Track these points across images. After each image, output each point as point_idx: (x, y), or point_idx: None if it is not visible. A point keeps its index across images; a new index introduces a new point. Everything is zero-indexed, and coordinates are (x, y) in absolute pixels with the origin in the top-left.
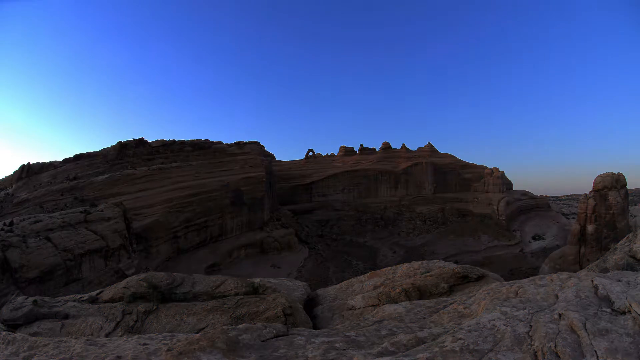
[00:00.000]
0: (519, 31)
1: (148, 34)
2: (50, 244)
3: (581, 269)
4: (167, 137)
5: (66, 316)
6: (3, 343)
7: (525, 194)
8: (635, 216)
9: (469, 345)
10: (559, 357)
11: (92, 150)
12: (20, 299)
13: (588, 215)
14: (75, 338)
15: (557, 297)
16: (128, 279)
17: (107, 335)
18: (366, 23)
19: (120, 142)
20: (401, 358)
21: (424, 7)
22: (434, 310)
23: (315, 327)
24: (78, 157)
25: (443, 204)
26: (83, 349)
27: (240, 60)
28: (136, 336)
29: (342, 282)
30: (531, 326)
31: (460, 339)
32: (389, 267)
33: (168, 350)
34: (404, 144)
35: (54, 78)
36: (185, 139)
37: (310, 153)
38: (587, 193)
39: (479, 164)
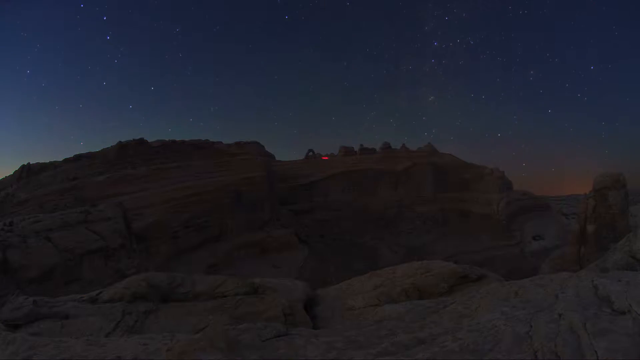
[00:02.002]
0: (522, 27)
1: (147, 31)
2: (51, 244)
3: (581, 269)
4: (167, 137)
5: (66, 316)
6: (3, 343)
7: (525, 194)
8: (635, 216)
9: (469, 345)
10: (559, 357)
11: (92, 150)
12: (20, 299)
13: (588, 215)
14: (76, 338)
15: (557, 297)
16: (128, 279)
17: (107, 335)
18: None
19: (120, 142)
20: (401, 358)
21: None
22: (434, 310)
23: (315, 327)
24: (78, 157)
25: (443, 204)
26: (83, 349)
27: (240, 59)
28: (136, 336)
29: (342, 282)
30: (531, 326)
31: (460, 339)
32: (389, 267)
33: (168, 350)
34: (404, 144)
35: (54, 76)
36: (185, 139)
37: (310, 153)
38: (587, 193)
39: (479, 164)
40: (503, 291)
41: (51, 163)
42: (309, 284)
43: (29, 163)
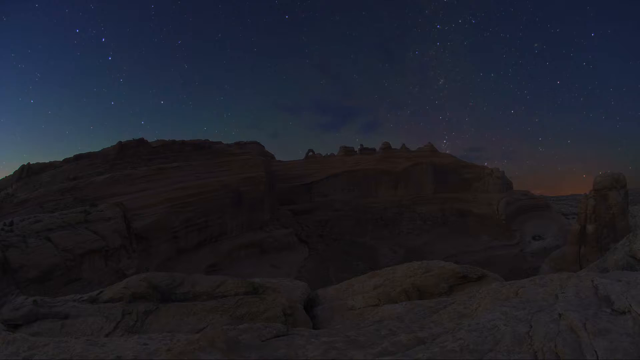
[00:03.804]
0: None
1: (149, 47)
2: (51, 244)
3: (581, 269)
4: (167, 137)
5: (66, 316)
6: (3, 343)
7: (525, 194)
8: (635, 216)
9: (469, 345)
10: (559, 357)
11: (92, 150)
12: (20, 299)
13: (588, 215)
14: (75, 338)
15: (557, 297)
16: (128, 279)
17: (107, 335)
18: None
19: (120, 142)
20: (401, 358)
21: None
22: (434, 310)
23: (315, 327)
24: (78, 157)
25: (443, 204)
26: (83, 349)
27: (245, 63)
28: (136, 336)
29: (342, 282)
30: (531, 326)
31: (460, 339)
32: (389, 267)
33: (168, 350)
34: (404, 144)
35: (59, 103)
36: (186, 139)
37: (310, 153)
38: (587, 193)
39: (479, 163)
40: (503, 291)
41: (51, 163)
42: (309, 284)
43: (29, 163)
